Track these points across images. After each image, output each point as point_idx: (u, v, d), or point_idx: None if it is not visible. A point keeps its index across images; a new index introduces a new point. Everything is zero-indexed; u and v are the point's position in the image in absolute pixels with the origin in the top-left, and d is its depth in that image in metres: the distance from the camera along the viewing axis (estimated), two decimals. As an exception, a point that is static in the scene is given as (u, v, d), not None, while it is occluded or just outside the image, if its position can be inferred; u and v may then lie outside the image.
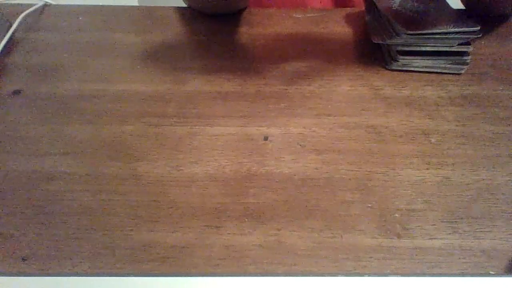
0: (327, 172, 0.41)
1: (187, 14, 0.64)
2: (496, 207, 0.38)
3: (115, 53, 0.56)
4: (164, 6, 0.66)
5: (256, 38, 0.59)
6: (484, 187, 0.40)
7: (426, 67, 0.52)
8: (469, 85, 0.51)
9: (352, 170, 0.41)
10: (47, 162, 0.42)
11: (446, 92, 0.50)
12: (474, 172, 0.41)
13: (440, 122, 0.46)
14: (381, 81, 0.52)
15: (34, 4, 0.64)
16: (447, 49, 0.51)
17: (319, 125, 0.46)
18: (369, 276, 0.33)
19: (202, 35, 0.60)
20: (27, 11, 0.62)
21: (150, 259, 0.35)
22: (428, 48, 0.51)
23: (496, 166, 0.42)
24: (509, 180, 0.41)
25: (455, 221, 0.37)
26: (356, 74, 0.53)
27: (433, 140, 0.44)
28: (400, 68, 0.53)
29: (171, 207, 0.38)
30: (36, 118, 0.47)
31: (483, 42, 0.58)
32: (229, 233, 0.36)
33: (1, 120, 0.47)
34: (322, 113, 0.47)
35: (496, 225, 0.37)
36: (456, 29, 0.50)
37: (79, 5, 0.65)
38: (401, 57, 0.52)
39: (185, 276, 0.33)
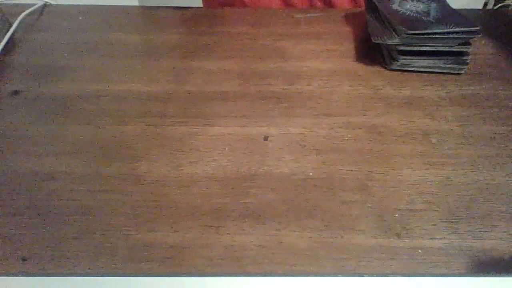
0: (327, 172, 0.41)
1: (187, 14, 0.64)
2: (496, 207, 0.38)
3: (115, 53, 0.56)
4: (164, 6, 0.66)
5: (256, 38, 0.59)
6: (484, 187, 0.40)
7: (426, 67, 0.52)
8: (469, 85, 0.51)
9: (352, 170, 0.41)
10: (47, 162, 0.42)
11: (446, 92, 0.50)
12: (474, 172, 0.41)
13: (440, 122, 0.46)
14: (381, 81, 0.52)
15: (34, 4, 0.64)
16: (447, 49, 0.51)
17: (319, 125, 0.46)
18: (369, 276, 0.33)
19: (203, 35, 0.60)
20: (27, 11, 0.62)
21: (150, 259, 0.35)
22: (428, 48, 0.51)
23: (496, 166, 0.42)
24: (509, 180, 0.41)
25: (455, 221, 0.37)
26: (356, 74, 0.53)
27: (433, 140, 0.44)
28: (400, 68, 0.53)
29: (171, 207, 0.38)
30: (36, 118, 0.47)
31: (483, 42, 0.58)
32: (229, 233, 0.36)
33: (1, 120, 0.47)
34: (322, 113, 0.47)
35: (496, 225, 0.37)
36: (456, 29, 0.50)
37: (79, 5, 0.65)
38: (401, 57, 0.52)
39: (185, 276, 0.33)
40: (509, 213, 0.38)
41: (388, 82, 0.51)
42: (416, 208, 0.38)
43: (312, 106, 0.48)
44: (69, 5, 0.65)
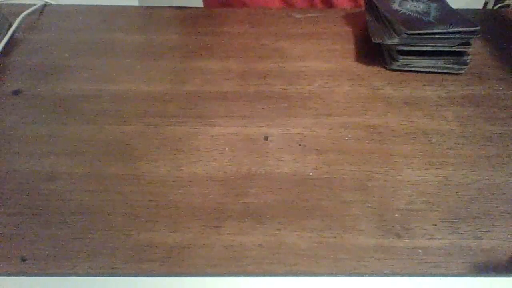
0: (327, 172, 0.41)
1: (187, 14, 0.64)
2: (496, 207, 0.38)
3: (115, 53, 0.56)
4: (164, 6, 0.66)
5: (256, 38, 0.59)
6: (484, 187, 0.40)
7: (426, 67, 0.52)
8: (469, 85, 0.51)
9: (352, 170, 0.41)
10: (47, 162, 0.42)
11: (446, 92, 0.50)
12: (474, 172, 0.41)
13: (440, 122, 0.46)
14: (381, 81, 0.52)
15: (34, 4, 0.64)
16: (447, 49, 0.51)
17: (319, 125, 0.46)
18: (369, 276, 0.33)
19: (203, 35, 0.60)
20: (27, 11, 0.62)
21: (150, 259, 0.35)
22: (428, 48, 0.51)
23: (496, 166, 0.42)
24: (509, 180, 0.41)
25: (455, 221, 0.37)
26: (356, 74, 0.53)
27: (433, 140, 0.44)
28: (400, 68, 0.53)
29: (171, 207, 0.38)
30: (36, 118, 0.47)
31: (483, 42, 0.58)
32: (229, 233, 0.36)
33: (1, 120, 0.47)
34: (322, 113, 0.47)
35: (496, 225, 0.37)
36: (456, 29, 0.50)
37: (79, 5, 0.65)
38: (401, 57, 0.52)
39: (185, 276, 0.33)
40: (509, 213, 0.38)
41: (388, 82, 0.51)
42: (416, 208, 0.38)
43: (312, 106, 0.48)
44: (69, 5, 0.65)
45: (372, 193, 0.39)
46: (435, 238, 0.36)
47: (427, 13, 0.54)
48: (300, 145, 0.44)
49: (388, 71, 0.53)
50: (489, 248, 0.35)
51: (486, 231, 0.37)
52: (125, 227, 0.37)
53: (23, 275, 0.33)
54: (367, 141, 0.44)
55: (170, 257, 0.35)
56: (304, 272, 0.34)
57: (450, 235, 0.36)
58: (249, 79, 0.52)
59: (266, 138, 0.44)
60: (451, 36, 0.50)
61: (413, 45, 0.51)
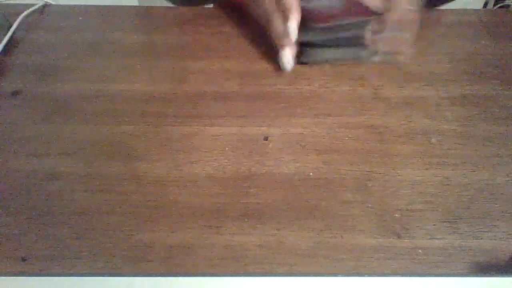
0: (327, 172, 0.41)
1: (187, 14, 0.64)
2: (496, 207, 0.38)
3: (115, 53, 0.56)
4: (164, 6, 0.66)
5: (256, 38, 0.59)
6: (484, 187, 0.40)
7: (337, 59, 0.52)
8: (469, 85, 0.51)
9: (352, 170, 0.41)
10: (47, 162, 0.42)
11: (446, 92, 0.50)
12: (474, 172, 0.41)
13: (440, 122, 0.46)
14: (381, 81, 0.52)
15: (34, 4, 0.64)
16: (351, 38, 0.50)
17: (319, 125, 0.46)
18: (369, 276, 0.33)
19: (202, 35, 0.59)
20: (27, 11, 0.62)
21: (150, 259, 0.35)
22: (331, 37, 0.51)
23: (496, 166, 0.42)
24: (509, 180, 0.41)
25: (455, 221, 0.37)
26: (356, 74, 0.53)
27: (433, 140, 0.44)
28: (312, 61, 0.52)
29: (171, 207, 0.38)
30: (36, 118, 0.47)
31: (483, 42, 0.58)
32: (229, 233, 0.36)
33: (1, 120, 0.47)
34: (322, 113, 0.47)
35: (496, 225, 0.37)
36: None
37: (79, 5, 0.65)
38: (310, 48, 0.51)
39: (185, 276, 0.33)
40: (509, 213, 0.38)
41: (388, 82, 0.51)
42: (416, 208, 0.38)
43: (312, 106, 0.48)
44: (69, 5, 0.65)
45: (372, 193, 0.39)
46: (435, 238, 0.36)
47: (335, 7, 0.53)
48: (300, 145, 0.44)
49: (388, 71, 0.53)
50: (489, 248, 0.35)
51: (486, 231, 0.37)
52: (125, 227, 0.37)
53: (23, 275, 0.33)
54: (367, 141, 0.44)
55: (170, 257, 0.35)
56: (304, 272, 0.34)
57: (450, 235, 0.36)
58: (249, 79, 0.52)
59: (266, 138, 0.44)
60: (356, 24, 0.49)
61: (322, 37, 0.51)
